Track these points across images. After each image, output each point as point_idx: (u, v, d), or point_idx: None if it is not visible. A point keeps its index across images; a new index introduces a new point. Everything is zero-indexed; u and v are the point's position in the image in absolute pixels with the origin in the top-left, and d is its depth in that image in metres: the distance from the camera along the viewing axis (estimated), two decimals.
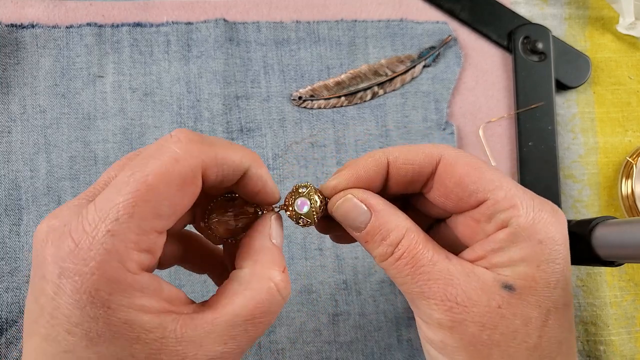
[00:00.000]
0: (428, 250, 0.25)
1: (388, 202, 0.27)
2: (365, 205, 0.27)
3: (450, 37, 0.46)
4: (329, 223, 0.30)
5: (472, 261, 0.26)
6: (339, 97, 0.45)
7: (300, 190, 0.28)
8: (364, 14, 0.47)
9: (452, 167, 0.26)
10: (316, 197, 0.28)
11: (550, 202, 0.26)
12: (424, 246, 0.25)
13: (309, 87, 0.45)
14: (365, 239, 0.27)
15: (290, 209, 0.28)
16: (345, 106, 0.45)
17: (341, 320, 0.42)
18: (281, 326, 0.41)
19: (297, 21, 0.46)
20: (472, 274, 0.24)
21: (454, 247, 0.28)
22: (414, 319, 0.43)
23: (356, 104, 0.45)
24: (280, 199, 0.28)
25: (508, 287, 0.24)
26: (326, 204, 0.29)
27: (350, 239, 0.30)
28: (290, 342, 0.41)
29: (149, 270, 0.22)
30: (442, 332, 0.24)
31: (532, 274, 0.24)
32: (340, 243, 0.32)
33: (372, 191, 0.28)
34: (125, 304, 0.20)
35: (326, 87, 0.45)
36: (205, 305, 0.23)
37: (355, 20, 0.46)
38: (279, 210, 0.28)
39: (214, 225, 0.28)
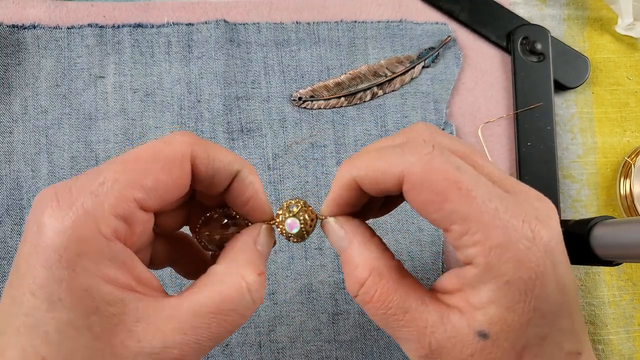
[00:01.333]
0: (399, 295, 0.24)
1: (367, 232, 0.26)
2: (345, 231, 0.26)
3: (449, 38, 0.46)
4: None
5: (450, 292, 0.24)
6: (339, 97, 0.45)
7: (291, 209, 0.28)
8: (364, 15, 0.47)
9: (414, 191, 0.23)
10: (306, 216, 0.28)
11: (536, 219, 0.23)
12: (394, 291, 0.24)
13: (309, 88, 0.45)
14: (342, 266, 0.26)
15: (281, 227, 0.28)
16: (345, 107, 0.45)
17: (341, 319, 0.42)
18: (281, 325, 0.42)
19: (297, 22, 0.46)
20: (447, 321, 0.23)
21: None
22: None
23: (356, 104, 0.45)
24: (272, 215, 0.28)
25: (482, 335, 0.23)
26: (317, 219, 0.28)
27: None
28: (290, 341, 0.41)
29: (125, 243, 0.22)
30: None
31: (504, 316, 0.22)
32: None
33: (357, 204, 0.27)
34: (91, 269, 0.20)
35: (326, 87, 0.45)
36: (174, 295, 0.23)
37: (355, 21, 0.46)
38: (272, 224, 0.28)
39: (205, 238, 0.28)
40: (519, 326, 0.22)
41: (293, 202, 0.28)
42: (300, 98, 0.45)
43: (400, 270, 0.25)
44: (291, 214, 0.28)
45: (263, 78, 0.45)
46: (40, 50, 0.43)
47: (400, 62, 0.46)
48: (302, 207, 0.28)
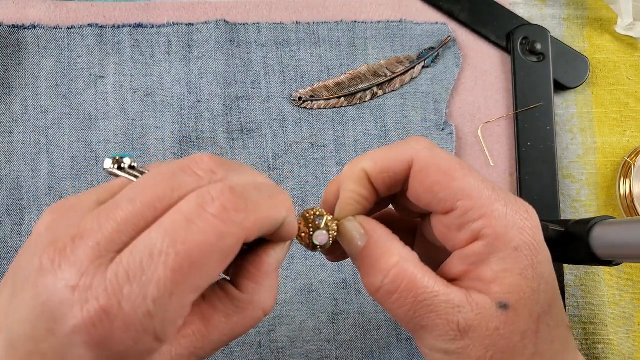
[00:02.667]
0: (428, 279, 0.24)
1: (388, 230, 0.27)
2: (364, 229, 0.26)
3: (449, 38, 0.46)
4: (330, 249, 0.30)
5: (457, 277, 0.25)
6: (339, 97, 0.45)
7: (317, 222, 0.27)
8: (364, 15, 0.47)
9: (422, 173, 0.25)
10: (334, 226, 0.27)
11: (522, 202, 0.25)
12: (423, 275, 0.24)
13: (309, 88, 0.45)
14: (358, 265, 0.26)
15: (308, 241, 0.27)
16: (345, 107, 0.45)
17: (341, 319, 0.42)
18: (281, 325, 0.42)
19: (297, 22, 0.46)
20: (471, 299, 0.24)
21: (438, 244, 0.28)
22: None
23: (356, 104, 0.45)
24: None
25: (503, 306, 0.24)
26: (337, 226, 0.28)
27: (343, 256, 0.30)
28: (290, 341, 0.41)
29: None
30: (448, 358, 0.24)
31: (518, 283, 0.24)
32: (335, 261, 0.32)
33: (370, 202, 0.27)
34: None
35: (326, 87, 0.45)
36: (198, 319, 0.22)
37: (355, 22, 0.46)
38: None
39: None
40: (532, 292, 0.24)
41: (315, 213, 0.27)
42: (300, 98, 0.45)
43: (419, 259, 0.26)
44: (318, 227, 0.27)
45: (263, 78, 0.45)
46: (40, 50, 0.43)
47: (400, 62, 0.46)
48: (326, 217, 0.27)
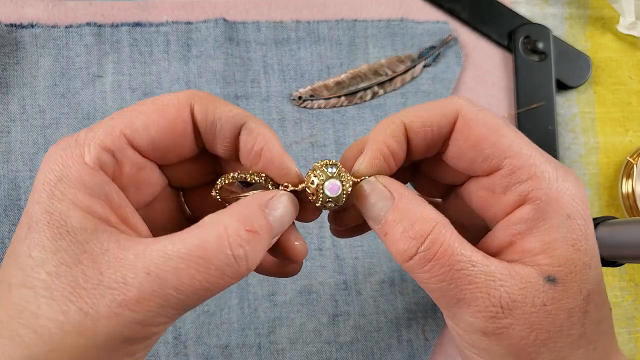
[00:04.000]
0: (465, 247, 0.21)
1: (415, 193, 0.24)
2: (389, 191, 0.23)
3: (450, 37, 0.46)
4: (338, 213, 0.28)
5: (497, 252, 0.23)
6: (339, 97, 0.45)
7: (329, 171, 0.24)
8: (364, 13, 0.47)
9: (469, 127, 0.23)
10: (350, 181, 0.24)
11: (570, 170, 0.23)
12: (460, 243, 0.22)
13: (309, 87, 0.45)
14: (384, 231, 0.23)
15: (319, 191, 0.24)
16: (345, 106, 0.45)
17: (341, 320, 0.42)
18: (281, 327, 0.41)
19: (297, 21, 0.46)
20: (514, 272, 0.21)
21: (468, 220, 0.26)
22: (414, 319, 0.43)
23: (356, 104, 0.45)
24: (296, 173, 0.25)
25: (551, 280, 0.21)
26: (353, 184, 0.25)
27: (351, 231, 0.28)
28: (290, 343, 0.41)
29: (114, 180, 0.22)
30: (486, 340, 0.22)
31: (570, 256, 0.21)
32: (341, 237, 0.29)
33: (398, 163, 0.25)
34: (68, 194, 0.20)
35: (326, 86, 0.45)
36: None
37: (356, 20, 0.46)
38: (294, 190, 0.25)
39: (217, 199, 0.25)
40: (583, 267, 0.21)
41: (328, 162, 0.25)
42: (300, 97, 0.44)
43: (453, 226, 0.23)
44: (331, 176, 0.24)
45: (262, 77, 0.45)
46: (38, 49, 0.43)
47: (401, 61, 0.46)
48: (341, 168, 0.24)
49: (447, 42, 0.46)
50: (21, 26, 0.43)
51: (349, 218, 0.27)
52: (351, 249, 0.43)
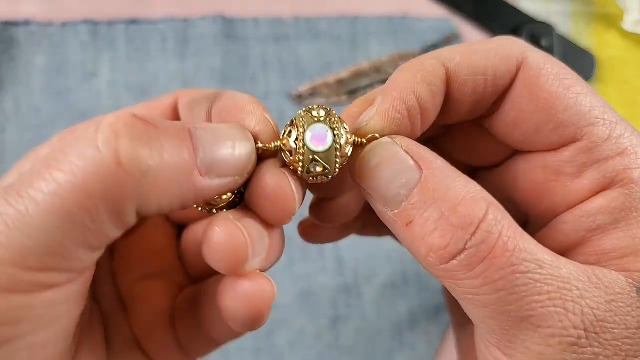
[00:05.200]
0: (528, 241, 0.15)
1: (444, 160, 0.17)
2: (413, 159, 0.16)
3: (453, 34, 0.46)
4: (324, 202, 0.20)
5: (561, 250, 0.16)
6: (340, 94, 0.44)
7: (314, 114, 0.17)
8: (366, 9, 0.46)
9: (537, 80, 0.17)
10: (342, 131, 0.17)
11: None
12: (521, 234, 0.15)
13: (309, 85, 0.44)
14: (406, 218, 0.16)
15: (299, 145, 0.16)
16: (346, 104, 0.44)
17: (342, 323, 0.41)
18: (280, 330, 0.41)
19: (296, 17, 0.45)
20: (596, 279, 0.15)
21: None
22: (416, 322, 0.42)
23: None
24: (267, 122, 0.18)
25: None
26: (354, 144, 0.17)
27: (331, 234, 0.22)
28: (290, 346, 0.40)
29: None
30: None
31: None
32: (314, 241, 0.23)
33: (425, 124, 0.18)
34: None
35: (326, 84, 0.44)
36: None
37: (357, 17, 0.46)
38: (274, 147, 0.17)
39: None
40: None
41: (317, 106, 0.17)
42: (300, 95, 0.44)
43: None
44: (317, 120, 0.16)
45: (262, 74, 0.44)
46: (33, 47, 0.43)
47: (403, 59, 0.45)
48: (332, 112, 0.17)
49: (450, 39, 0.45)
50: (16, 23, 0.43)
51: (340, 208, 0.20)
52: (352, 250, 0.42)
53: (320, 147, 0.16)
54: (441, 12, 0.47)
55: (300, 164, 0.16)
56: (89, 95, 0.43)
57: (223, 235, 0.16)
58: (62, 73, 0.43)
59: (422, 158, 0.16)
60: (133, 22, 0.44)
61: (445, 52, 0.18)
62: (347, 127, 0.17)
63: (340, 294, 0.42)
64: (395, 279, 0.42)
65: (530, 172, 0.18)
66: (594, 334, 0.14)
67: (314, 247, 0.42)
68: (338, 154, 0.16)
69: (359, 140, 0.17)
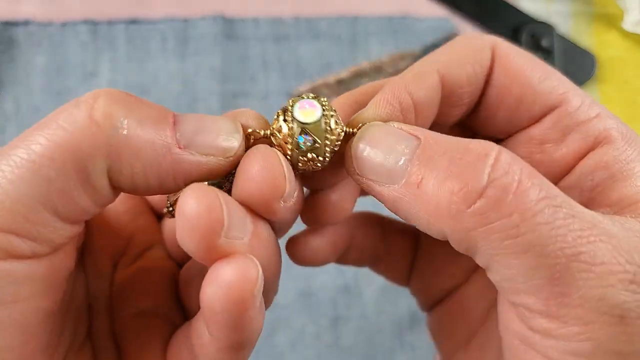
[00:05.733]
0: (551, 184, 0.14)
1: None
2: (407, 131, 0.16)
3: (453, 34, 0.45)
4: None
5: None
6: (340, 94, 0.44)
7: (304, 97, 0.17)
8: (366, 9, 0.46)
9: (511, 59, 0.17)
10: (332, 111, 0.17)
11: None
12: (543, 177, 0.14)
13: (309, 85, 0.44)
14: (415, 179, 0.14)
15: (286, 120, 0.16)
16: None
17: (342, 323, 0.41)
18: (280, 329, 0.41)
19: (296, 17, 0.45)
20: (619, 224, 0.14)
21: None
22: (417, 322, 0.42)
23: None
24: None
25: None
26: (346, 134, 0.17)
27: (322, 254, 0.22)
28: (290, 346, 0.40)
29: None
30: (606, 330, 0.13)
31: None
32: (301, 260, 0.23)
33: (424, 123, 0.18)
34: None
35: (326, 84, 0.44)
36: None
37: (357, 17, 0.46)
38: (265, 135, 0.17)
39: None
40: None
41: (304, 95, 0.17)
42: (300, 95, 0.44)
43: None
44: (304, 98, 0.17)
45: (262, 74, 0.44)
46: (33, 47, 0.43)
47: (403, 59, 0.45)
48: (322, 99, 0.17)
49: (450, 39, 0.45)
50: (16, 23, 0.43)
51: (332, 204, 0.19)
52: None
53: (309, 118, 0.16)
54: (441, 12, 0.47)
55: (290, 139, 0.16)
56: None
57: (195, 197, 0.14)
58: (62, 73, 0.43)
59: (416, 129, 0.16)
60: (133, 22, 0.44)
61: (433, 58, 0.18)
62: (337, 112, 0.17)
63: (340, 294, 0.41)
64: None
65: (523, 149, 0.18)
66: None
67: None
68: (328, 128, 0.16)
69: (350, 130, 0.17)
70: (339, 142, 0.17)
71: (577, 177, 0.17)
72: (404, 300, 0.42)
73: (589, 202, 0.16)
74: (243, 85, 0.44)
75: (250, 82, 0.44)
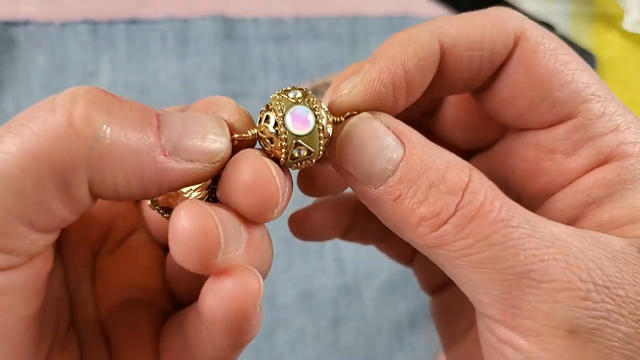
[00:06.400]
0: (514, 204, 0.15)
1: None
2: (394, 134, 0.16)
3: None
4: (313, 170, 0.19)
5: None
6: None
7: (291, 97, 0.16)
8: (366, 9, 0.46)
9: (535, 55, 0.16)
10: (323, 112, 0.16)
11: None
12: (506, 198, 0.15)
13: (309, 85, 0.44)
14: (394, 192, 0.15)
15: (280, 130, 0.15)
16: None
17: (342, 323, 0.41)
18: (280, 330, 0.40)
19: (296, 17, 0.45)
20: (595, 240, 0.14)
21: None
22: (416, 322, 0.42)
23: None
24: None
25: None
26: (334, 123, 0.16)
27: (324, 230, 0.22)
28: (290, 346, 0.40)
29: None
30: (569, 344, 0.13)
31: None
32: (305, 236, 0.23)
33: (410, 99, 0.17)
34: None
35: (326, 84, 0.44)
36: None
37: (357, 16, 0.46)
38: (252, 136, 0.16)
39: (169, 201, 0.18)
40: None
41: (290, 88, 0.16)
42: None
43: None
44: (294, 102, 0.16)
45: (262, 74, 0.44)
46: (33, 47, 0.43)
47: None
48: (311, 95, 0.16)
49: None
50: (16, 23, 0.43)
51: (329, 176, 0.20)
52: (352, 250, 0.42)
53: (303, 130, 0.15)
54: (441, 12, 0.47)
55: (284, 150, 0.16)
56: None
57: (189, 218, 0.14)
58: (62, 73, 0.42)
59: (402, 133, 0.16)
60: (133, 22, 0.44)
61: (440, 25, 0.17)
62: (325, 107, 0.16)
63: (340, 294, 0.41)
64: (395, 279, 0.42)
65: (523, 152, 0.18)
66: (604, 289, 0.13)
67: (313, 248, 0.42)
68: (321, 135, 0.16)
69: (338, 118, 0.16)
70: (329, 138, 0.16)
71: (576, 189, 0.16)
72: (403, 300, 0.42)
73: (579, 217, 0.16)
74: (243, 85, 0.44)
75: (250, 82, 0.44)
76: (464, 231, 0.14)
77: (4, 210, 0.13)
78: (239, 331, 0.15)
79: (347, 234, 0.24)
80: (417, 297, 0.42)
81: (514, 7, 0.46)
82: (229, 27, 0.44)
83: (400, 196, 0.15)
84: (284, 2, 0.45)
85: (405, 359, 0.41)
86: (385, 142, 0.16)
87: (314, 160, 0.16)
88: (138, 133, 0.14)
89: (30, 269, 0.15)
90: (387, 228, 0.18)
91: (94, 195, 0.14)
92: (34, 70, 0.42)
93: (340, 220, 0.23)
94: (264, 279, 0.16)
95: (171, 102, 0.43)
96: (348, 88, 0.16)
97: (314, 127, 0.15)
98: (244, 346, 0.16)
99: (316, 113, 0.16)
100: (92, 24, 0.43)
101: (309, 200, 0.23)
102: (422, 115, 0.21)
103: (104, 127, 0.13)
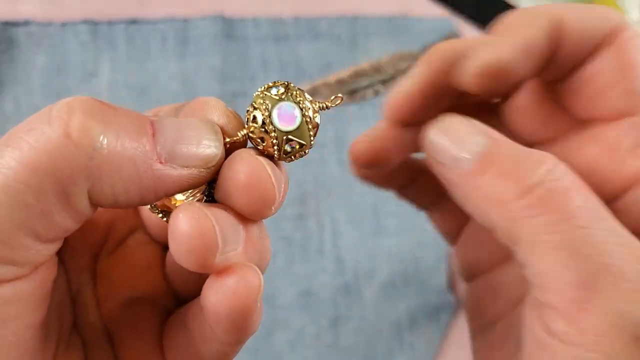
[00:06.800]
0: (601, 205, 0.15)
1: None
2: (481, 131, 0.16)
3: (453, 34, 0.45)
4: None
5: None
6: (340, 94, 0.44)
7: (273, 94, 0.16)
8: (366, 9, 0.46)
9: (625, 44, 0.16)
10: (307, 103, 0.16)
11: None
12: (597, 198, 0.15)
13: (309, 85, 0.44)
14: (482, 168, 0.15)
15: (265, 127, 0.16)
16: (346, 104, 0.44)
17: (342, 323, 0.41)
18: (279, 330, 0.41)
19: (296, 17, 0.45)
20: None
21: None
22: (417, 322, 0.42)
23: (358, 102, 0.45)
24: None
25: None
26: (321, 109, 0.17)
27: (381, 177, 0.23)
28: (289, 346, 0.40)
29: None
30: (618, 346, 0.13)
31: None
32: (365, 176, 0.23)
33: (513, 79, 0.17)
34: None
35: (326, 84, 0.44)
36: None
37: (357, 16, 0.46)
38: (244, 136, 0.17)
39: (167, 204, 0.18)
40: None
41: (269, 85, 0.17)
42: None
43: None
44: (280, 99, 0.16)
45: (262, 74, 0.44)
46: (33, 47, 0.43)
47: (404, 59, 0.45)
48: (290, 85, 0.17)
49: (450, 39, 0.45)
50: (16, 24, 0.43)
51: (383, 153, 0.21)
52: (352, 250, 0.42)
53: (291, 126, 0.16)
54: (441, 12, 0.47)
55: (276, 147, 0.16)
56: (89, 95, 0.42)
57: (187, 220, 0.14)
58: (62, 73, 0.42)
59: (486, 130, 0.16)
60: (133, 22, 0.44)
61: (560, 8, 0.17)
62: (308, 96, 0.17)
63: (340, 294, 0.41)
64: (395, 279, 0.42)
65: (585, 147, 0.18)
66: None
67: (313, 247, 0.42)
68: (310, 126, 0.16)
69: (325, 104, 0.17)
70: (317, 128, 0.17)
71: (631, 200, 0.16)
72: (403, 300, 0.42)
73: (632, 232, 0.16)
74: (243, 85, 0.44)
75: (250, 82, 0.44)
76: (549, 206, 0.14)
77: (9, 223, 0.13)
78: (241, 326, 0.15)
79: (403, 192, 0.24)
80: (417, 297, 0.42)
81: (515, 7, 0.46)
82: (229, 27, 0.44)
83: (488, 169, 0.15)
84: (284, 2, 0.45)
85: (405, 359, 0.41)
86: (473, 130, 0.16)
87: (307, 151, 0.17)
88: (134, 142, 0.14)
89: (36, 278, 0.15)
90: (443, 195, 0.19)
91: (94, 204, 0.15)
92: (34, 70, 0.42)
93: (400, 171, 0.23)
94: (264, 268, 0.17)
95: (171, 102, 0.42)
96: (482, 44, 0.17)
97: (302, 120, 0.16)
98: (246, 340, 0.16)
99: (301, 106, 0.16)
100: (92, 24, 0.43)
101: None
102: (490, 101, 0.21)
103: (101, 137, 0.14)
